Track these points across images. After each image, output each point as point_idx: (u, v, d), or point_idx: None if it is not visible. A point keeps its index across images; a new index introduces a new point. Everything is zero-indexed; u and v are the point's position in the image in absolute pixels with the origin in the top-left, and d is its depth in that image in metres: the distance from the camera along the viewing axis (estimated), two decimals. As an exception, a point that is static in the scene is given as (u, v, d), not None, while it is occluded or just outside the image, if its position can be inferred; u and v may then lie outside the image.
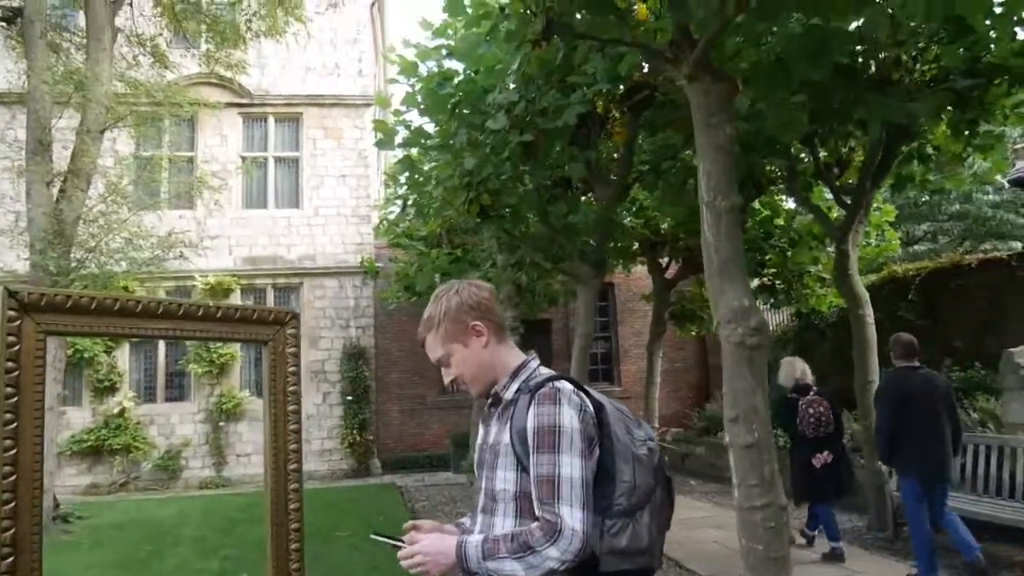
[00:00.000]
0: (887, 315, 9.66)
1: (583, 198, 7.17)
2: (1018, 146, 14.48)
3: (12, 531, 1.53)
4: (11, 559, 1.53)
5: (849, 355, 8.45)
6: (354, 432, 14.43)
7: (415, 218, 10.02)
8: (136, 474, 13.63)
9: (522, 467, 1.83)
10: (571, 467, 1.73)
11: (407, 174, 7.61)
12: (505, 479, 1.86)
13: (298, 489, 2.08)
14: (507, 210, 6.51)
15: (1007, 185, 16.26)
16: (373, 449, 14.86)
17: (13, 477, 1.54)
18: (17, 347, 1.56)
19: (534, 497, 1.76)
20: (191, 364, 14.02)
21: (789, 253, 10.50)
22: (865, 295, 7.87)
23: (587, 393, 1.89)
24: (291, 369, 2.08)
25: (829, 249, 11.24)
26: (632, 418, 1.97)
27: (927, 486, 5.55)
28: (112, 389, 13.73)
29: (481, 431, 2.08)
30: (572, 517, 1.69)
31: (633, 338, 16.82)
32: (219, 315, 1.94)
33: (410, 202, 8.09)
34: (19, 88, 10.02)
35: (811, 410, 6.63)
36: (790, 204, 11.12)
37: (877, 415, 5.97)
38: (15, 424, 1.55)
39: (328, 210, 15.33)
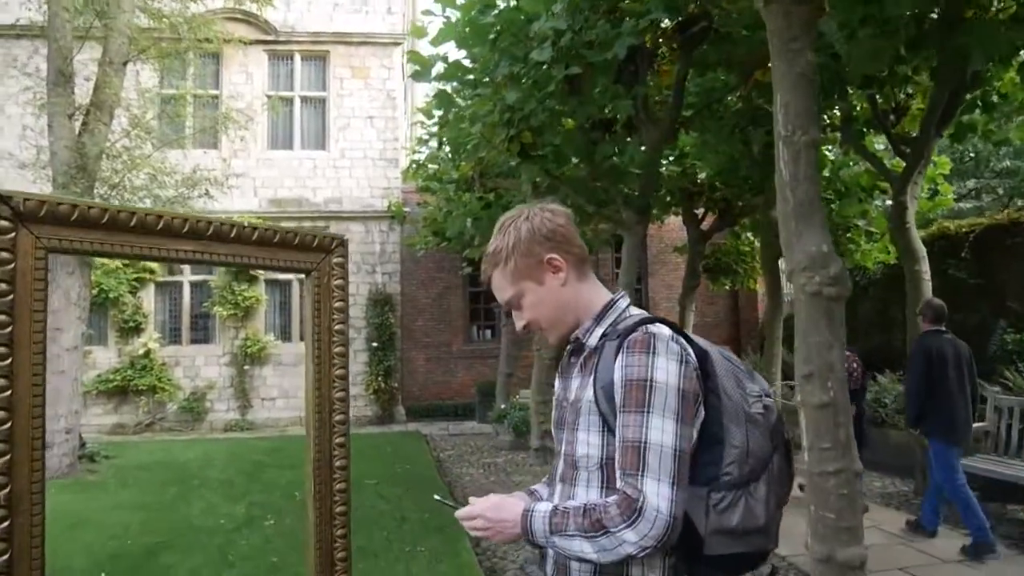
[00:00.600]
0: (936, 273, 9.22)
1: (627, 139, 6.76)
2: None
3: (7, 489, 1.25)
4: (7, 523, 1.25)
5: (892, 314, 8.09)
6: (379, 379, 14.30)
7: (449, 158, 9.65)
8: (161, 415, 13.64)
9: (609, 428, 1.50)
10: (662, 432, 1.40)
11: (441, 112, 7.24)
12: (588, 443, 1.54)
13: (344, 444, 1.80)
14: (549, 149, 6.14)
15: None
16: (398, 396, 14.75)
17: (8, 424, 1.25)
18: (11, 265, 1.26)
19: (616, 465, 1.45)
20: (216, 307, 13.89)
21: (835, 206, 10.02)
22: (922, 250, 7.45)
23: (688, 339, 1.56)
24: (337, 304, 1.78)
25: (877, 203, 10.77)
26: (744, 369, 1.64)
27: (956, 447, 5.67)
28: (137, 330, 13.66)
29: (559, 385, 1.75)
30: (658, 494, 1.37)
31: (664, 291, 16.46)
32: (254, 238, 1.63)
33: (444, 140, 7.70)
34: (41, 21, 9.68)
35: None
36: (832, 156, 10.60)
37: (908, 377, 5.99)
38: (10, 360, 1.26)
39: (355, 152, 14.98)
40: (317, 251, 1.75)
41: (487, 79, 6.35)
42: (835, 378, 3.36)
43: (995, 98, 7.92)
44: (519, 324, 1.70)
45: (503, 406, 11.98)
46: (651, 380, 1.44)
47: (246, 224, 1.62)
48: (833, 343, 3.38)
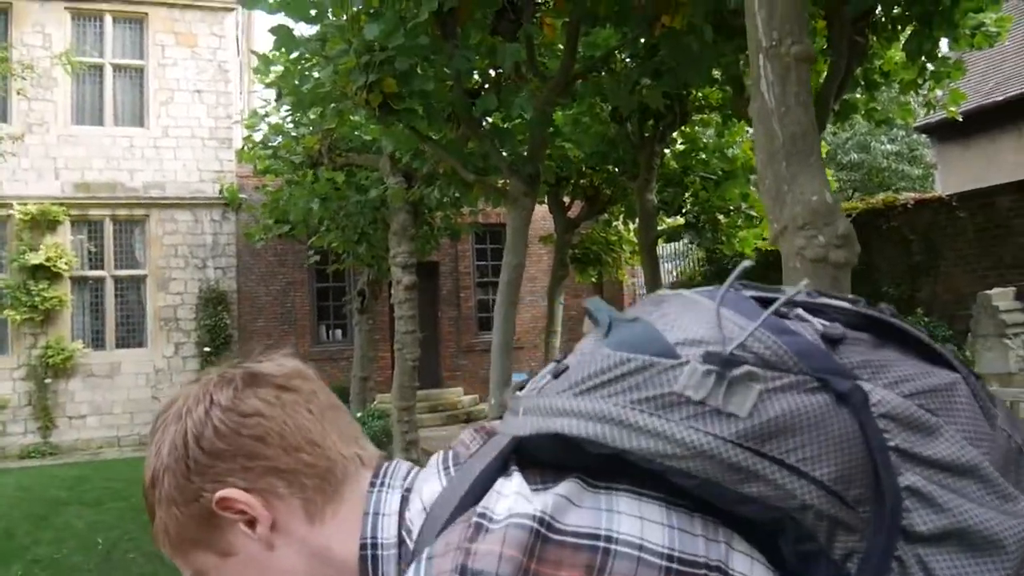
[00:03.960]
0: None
1: (514, 94, 5.71)
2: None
3: None
4: None
5: (762, 306, 7.59)
6: (213, 389, 12.49)
7: (291, 127, 8.25)
8: (-65, 443, 11.21)
9: None
10: None
11: (281, 54, 5.89)
12: None
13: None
14: (417, 101, 4.98)
15: (904, 133, 16.12)
16: (236, 408, 13.00)
17: None
18: None
19: None
20: (7, 310, 11.57)
21: (712, 188, 9.48)
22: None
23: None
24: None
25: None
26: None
27: None
28: (-100, 339, 11.16)
29: None
30: None
31: (527, 283, 15.54)
32: None
33: (284, 93, 6.30)
34: None
35: None
36: (707, 138, 10.10)
37: None
38: None
39: (180, 131, 13.05)
40: None
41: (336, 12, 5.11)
42: (848, 376, 2.45)
43: (877, 77, 7.66)
44: None
45: (359, 414, 10.69)
46: None
47: None
48: (843, 328, 2.47)
